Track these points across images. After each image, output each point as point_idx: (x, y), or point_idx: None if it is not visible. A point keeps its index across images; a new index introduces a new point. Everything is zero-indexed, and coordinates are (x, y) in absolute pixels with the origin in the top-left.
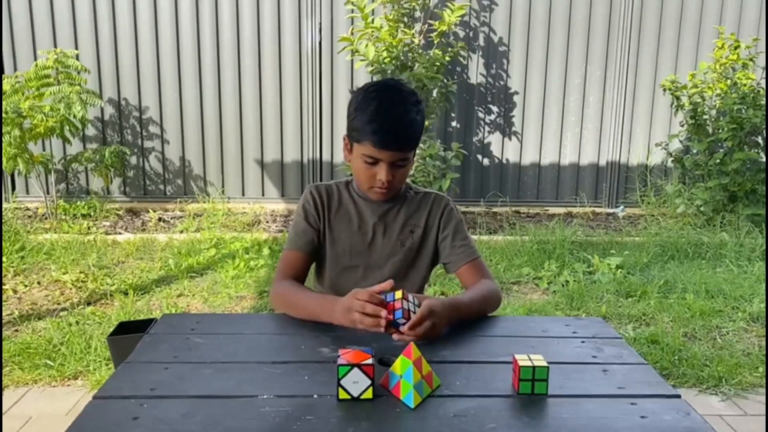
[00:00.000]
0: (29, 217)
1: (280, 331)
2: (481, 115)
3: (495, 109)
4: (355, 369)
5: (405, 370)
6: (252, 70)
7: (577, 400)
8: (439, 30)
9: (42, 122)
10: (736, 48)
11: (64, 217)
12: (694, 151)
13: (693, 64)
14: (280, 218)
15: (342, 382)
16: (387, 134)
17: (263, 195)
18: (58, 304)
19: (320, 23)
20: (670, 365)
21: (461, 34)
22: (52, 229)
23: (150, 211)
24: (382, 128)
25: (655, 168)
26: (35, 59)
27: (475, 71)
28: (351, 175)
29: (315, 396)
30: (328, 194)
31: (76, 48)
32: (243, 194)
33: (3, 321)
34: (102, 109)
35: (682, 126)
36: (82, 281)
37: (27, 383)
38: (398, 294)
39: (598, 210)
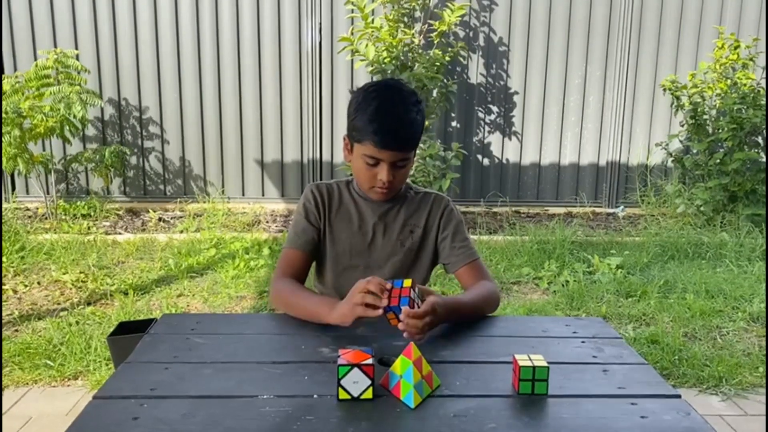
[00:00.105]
0: (29, 217)
1: (280, 331)
2: (481, 115)
3: (495, 109)
4: (355, 369)
5: (405, 370)
6: (252, 70)
7: (577, 400)
8: (439, 30)
9: (42, 122)
10: (736, 48)
11: (64, 217)
12: (694, 151)
13: (693, 64)
14: (280, 218)
15: (342, 382)
16: (387, 134)
17: (263, 195)
18: (58, 304)
19: (320, 23)
20: (671, 365)
21: (461, 34)
22: (52, 229)
23: (150, 211)
24: (382, 128)
25: (655, 168)
26: (35, 59)
27: (475, 71)
28: (351, 174)
29: (315, 396)
30: (328, 193)
31: (76, 48)
32: (243, 194)
33: (3, 321)
34: (102, 109)
35: (682, 126)
36: (82, 281)
37: (27, 383)
38: (407, 282)
39: (598, 210)
